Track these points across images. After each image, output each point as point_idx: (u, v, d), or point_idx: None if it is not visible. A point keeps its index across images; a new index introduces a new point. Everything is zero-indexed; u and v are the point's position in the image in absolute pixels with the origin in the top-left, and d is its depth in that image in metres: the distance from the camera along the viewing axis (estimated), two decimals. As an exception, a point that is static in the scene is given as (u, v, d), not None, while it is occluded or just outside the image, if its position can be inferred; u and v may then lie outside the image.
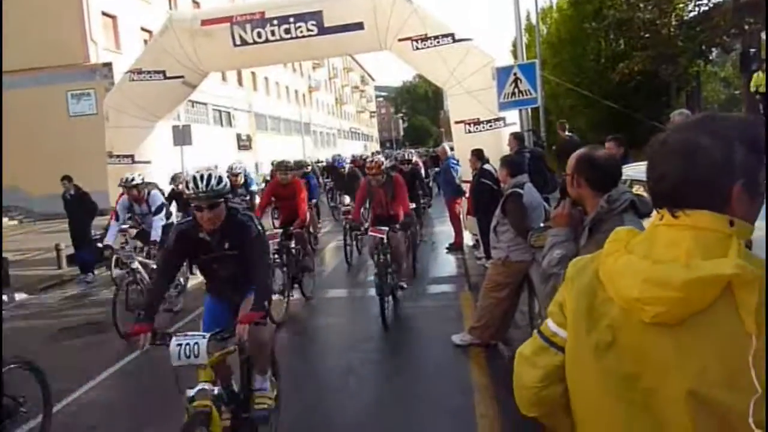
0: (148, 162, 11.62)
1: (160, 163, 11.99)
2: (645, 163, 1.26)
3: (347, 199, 12.38)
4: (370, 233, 6.95)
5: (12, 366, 4.07)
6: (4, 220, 19.85)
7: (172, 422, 3.32)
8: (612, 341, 1.17)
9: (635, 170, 4.63)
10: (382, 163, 7.44)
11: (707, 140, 1.12)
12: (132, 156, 11.66)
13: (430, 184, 17.63)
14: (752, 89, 13.81)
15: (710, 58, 22.29)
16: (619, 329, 1.16)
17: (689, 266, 1.07)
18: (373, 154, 20.03)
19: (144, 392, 5.26)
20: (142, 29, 27.60)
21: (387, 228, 6.81)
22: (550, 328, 1.34)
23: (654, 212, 1.26)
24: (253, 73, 40.75)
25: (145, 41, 26.03)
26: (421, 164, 15.38)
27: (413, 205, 9.05)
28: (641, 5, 20.63)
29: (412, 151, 19.75)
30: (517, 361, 1.44)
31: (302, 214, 7.96)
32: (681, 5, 20.94)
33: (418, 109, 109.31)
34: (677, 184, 1.15)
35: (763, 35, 15.77)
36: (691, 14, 21.24)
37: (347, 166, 15.48)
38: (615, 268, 1.18)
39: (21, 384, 4.17)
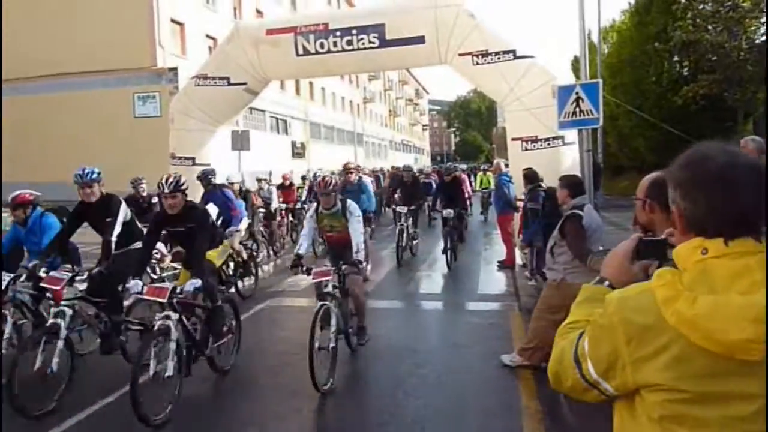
0: (207, 165, 11.96)
1: (218, 167, 12.31)
2: None
3: None
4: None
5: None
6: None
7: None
8: (710, 390, 1.14)
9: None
10: None
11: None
12: (193, 158, 12.05)
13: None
14: None
15: (781, 83, 21.41)
16: (713, 374, 1.13)
17: None
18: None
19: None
20: (207, 36, 28.60)
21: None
22: (593, 376, 1.27)
23: None
24: (310, 83, 41.54)
25: (210, 48, 26.94)
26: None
27: None
28: (709, 27, 20.02)
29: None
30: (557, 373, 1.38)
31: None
32: (752, 28, 20.23)
33: (470, 124, 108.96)
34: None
35: None
36: (763, 37, 20.47)
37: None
38: (698, 312, 1.12)
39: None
